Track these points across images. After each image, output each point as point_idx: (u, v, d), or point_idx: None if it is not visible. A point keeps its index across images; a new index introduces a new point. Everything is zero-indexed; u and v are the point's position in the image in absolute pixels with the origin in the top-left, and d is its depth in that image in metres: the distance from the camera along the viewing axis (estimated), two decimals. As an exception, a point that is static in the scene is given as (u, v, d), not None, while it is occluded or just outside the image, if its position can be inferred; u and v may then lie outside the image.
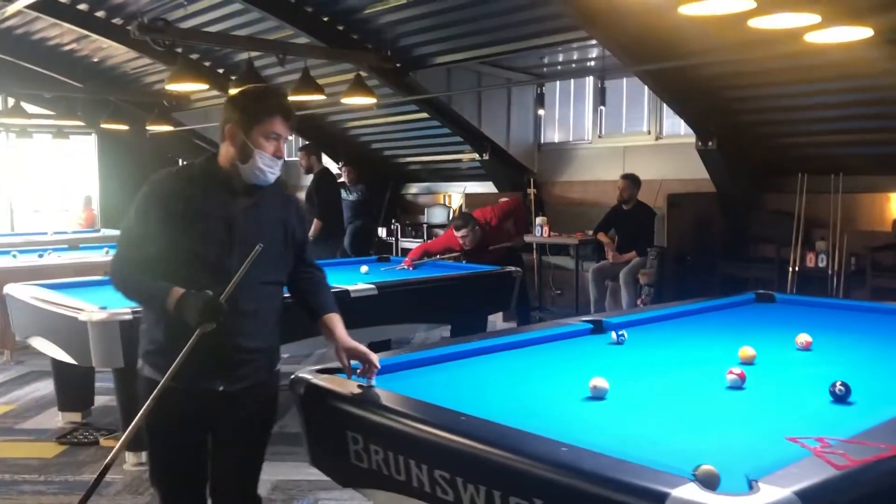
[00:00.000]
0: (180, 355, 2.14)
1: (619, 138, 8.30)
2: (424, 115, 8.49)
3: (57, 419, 4.72)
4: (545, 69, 8.47)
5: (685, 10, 3.57)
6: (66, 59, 10.89)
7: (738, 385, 2.34)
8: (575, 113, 8.75)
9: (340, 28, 7.58)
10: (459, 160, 9.49)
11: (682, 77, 6.19)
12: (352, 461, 2.16)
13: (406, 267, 5.66)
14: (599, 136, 8.47)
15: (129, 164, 12.30)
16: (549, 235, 7.64)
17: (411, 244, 8.76)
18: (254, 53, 7.20)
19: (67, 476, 3.82)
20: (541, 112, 8.24)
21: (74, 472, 3.87)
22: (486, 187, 9.15)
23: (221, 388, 2.29)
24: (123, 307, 3.66)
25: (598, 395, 2.25)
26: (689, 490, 1.46)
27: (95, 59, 10.74)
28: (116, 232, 10.01)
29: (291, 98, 7.19)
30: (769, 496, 1.43)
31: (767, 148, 6.75)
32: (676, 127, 7.64)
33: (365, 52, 7.45)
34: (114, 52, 9.98)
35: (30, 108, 11.73)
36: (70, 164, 13.32)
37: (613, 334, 3.01)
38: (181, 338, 2.14)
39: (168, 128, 10.93)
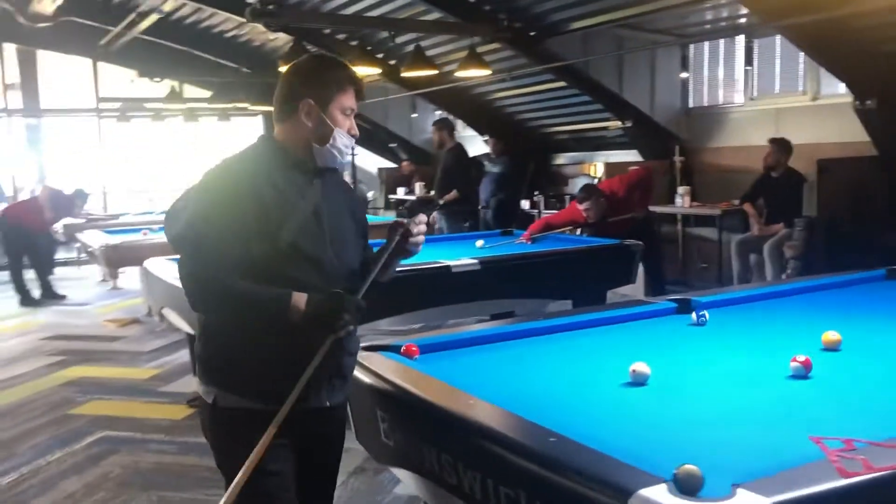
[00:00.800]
0: (307, 371, 1.84)
1: (772, 99, 7.70)
2: (562, 83, 8.28)
3: (193, 384, 5.09)
4: (690, 29, 7.98)
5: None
6: (230, 45, 11.57)
7: (801, 374, 2.12)
8: (725, 75, 8.21)
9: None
10: (605, 128, 9.20)
11: (834, 30, 5.62)
12: (382, 439, 2.18)
13: (524, 241, 5.58)
14: (751, 99, 7.90)
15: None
16: (691, 206, 7.25)
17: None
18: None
19: (189, 438, 4.14)
20: (684, 75, 7.79)
21: (197, 434, 4.17)
22: (632, 156, 8.80)
23: (328, 404, 2.01)
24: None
25: (638, 381, 2.12)
26: (657, 491, 1.35)
27: (257, 44, 11.34)
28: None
29: (407, 74, 7.39)
30: (741, 504, 1.30)
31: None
32: (835, 86, 6.96)
33: (480, 24, 7.33)
34: (272, 35, 10.49)
35: (198, 92, 12.69)
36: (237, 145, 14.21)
37: (694, 315, 2.82)
38: (296, 351, 1.87)
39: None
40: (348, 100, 2.02)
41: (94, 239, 7.29)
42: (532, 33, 7.71)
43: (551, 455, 1.55)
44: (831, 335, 2.40)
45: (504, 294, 4.60)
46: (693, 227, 7.81)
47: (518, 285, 4.63)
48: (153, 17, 9.12)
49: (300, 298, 1.87)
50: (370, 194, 13.99)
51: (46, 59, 12.70)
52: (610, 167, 8.60)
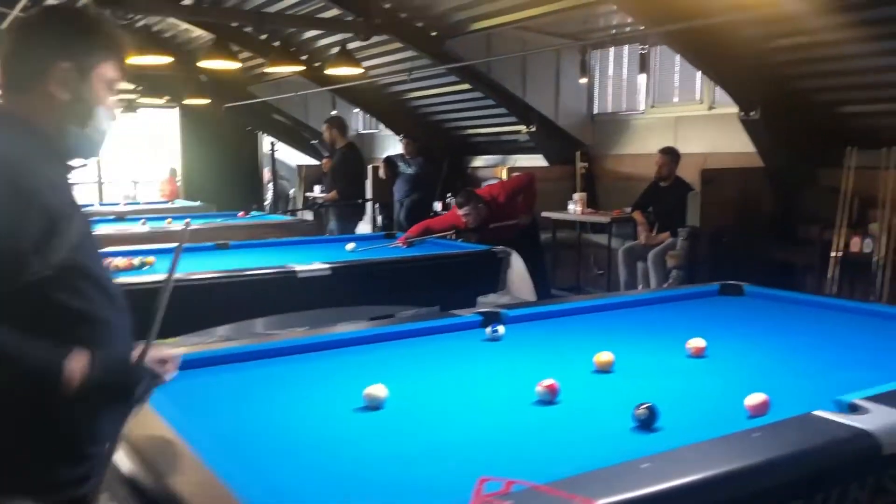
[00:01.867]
0: (106, 457, 1.47)
1: (670, 108, 7.70)
2: (466, 86, 8.19)
3: None
4: (593, 35, 7.94)
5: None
6: (152, 37, 11.22)
7: (547, 399, 2.01)
8: (627, 82, 8.19)
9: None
10: (517, 132, 9.13)
11: (715, 39, 5.60)
12: None
13: (400, 244, 5.45)
14: (651, 106, 7.89)
15: (209, 137, 12.67)
16: (584, 213, 7.20)
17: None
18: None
19: None
20: (582, 81, 7.75)
21: None
22: (537, 160, 8.75)
23: None
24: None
25: (372, 405, 1.99)
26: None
27: (170, 35, 11.02)
28: (190, 203, 10.48)
29: (331, 72, 7.23)
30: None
31: (821, 117, 6.05)
32: (728, 96, 6.98)
33: (354, 21, 7.21)
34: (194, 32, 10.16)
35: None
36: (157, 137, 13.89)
37: (488, 330, 2.71)
38: (95, 430, 1.47)
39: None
40: (113, 70, 1.59)
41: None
42: (433, 33, 7.61)
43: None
44: (603, 356, 2.31)
45: (360, 301, 4.44)
46: (591, 234, 7.78)
47: (375, 292, 4.48)
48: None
49: (78, 361, 1.37)
50: (291, 192, 13.78)
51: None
52: (515, 171, 8.51)
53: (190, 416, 1.84)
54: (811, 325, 2.95)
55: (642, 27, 7.42)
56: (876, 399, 1.85)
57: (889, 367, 2.29)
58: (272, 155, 13.08)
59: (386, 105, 10.30)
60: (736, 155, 6.65)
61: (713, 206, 6.12)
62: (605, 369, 2.29)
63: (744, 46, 5.68)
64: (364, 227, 10.08)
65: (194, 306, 3.80)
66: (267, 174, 13.33)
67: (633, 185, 7.71)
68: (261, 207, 12.97)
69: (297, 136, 12.98)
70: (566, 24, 7.53)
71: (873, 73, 5.48)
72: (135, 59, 6.78)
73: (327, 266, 4.27)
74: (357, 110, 11.94)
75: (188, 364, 2.28)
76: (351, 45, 8.57)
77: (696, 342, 2.46)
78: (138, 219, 7.60)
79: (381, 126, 11.63)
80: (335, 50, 8.54)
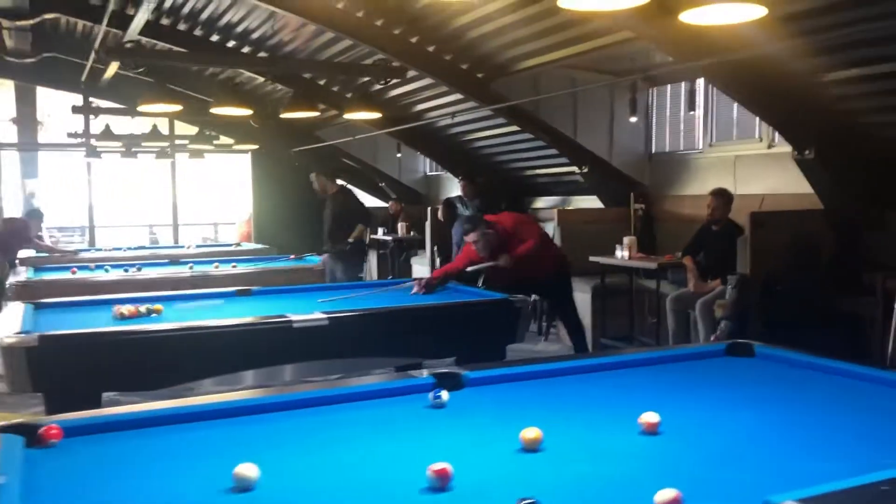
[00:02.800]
0: None
1: (729, 147, 7.28)
2: (515, 127, 8.00)
3: None
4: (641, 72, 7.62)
5: None
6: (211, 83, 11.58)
7: (437, 486, 1.77)
8: (685, 120, 7.82)
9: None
10: (572, 173, 8.84)
11: (760, 73, 5.24)
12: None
13: (418, 292, 5.25)
14: (710, 145, 7.48)
15: (280, 180, 12.91)
16: (633, 257, 6.83)
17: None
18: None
19: None
20: (633, 119, 7.42)
21: None
22: (591, 202, 8.45)
23: None
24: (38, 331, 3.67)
25: (242, 486, 1.79)
26: None
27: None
28: (253, 246, 10.65)
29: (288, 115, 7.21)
30: None
31: (886, 154, 5.56)
32: (786, 133, 6.52)
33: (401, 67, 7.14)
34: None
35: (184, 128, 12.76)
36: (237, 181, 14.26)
37: (430, 396, 2.48)
38: None
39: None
40: None
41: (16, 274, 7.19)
42: (479, 75, 7.46)
43: None
44: (528, 433, 2.04)
45: (363, 352, 4.27)
46: (645, 280, 7.37)
47: (379, 342, 4.30)
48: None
49: None
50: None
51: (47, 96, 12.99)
52: (567, 213, 8.24)
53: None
54: (809, 394, 2.59)
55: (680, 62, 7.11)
56: (811, 502, 1.53)
57: (867, 455, 1.94)
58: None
59: (444, 147, 10.22)
60: (794, 196, 6.21)
61: (765, 252, 5.68)
62: (531, 448, 2.03)
63: (792, 80, 5.29)
64: (423, 270, 9.98)
65: (173, 359, 3.74)
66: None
67: (692, 226, 7.29)
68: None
69: (365, 178, 13.06)
70: (617, 62, 7.25)
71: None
72: (219, 109, 7.04)
73: (324, 316, 4.12)
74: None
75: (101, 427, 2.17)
76: (403, 89, 8.60)
77: (649, 417, 2.17)
78: (186, 263, 7.70)
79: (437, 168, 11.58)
80: (394, 93, 8.61)
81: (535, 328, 7.65)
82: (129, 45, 5.61)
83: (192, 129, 12.38)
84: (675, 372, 2.94)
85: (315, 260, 7.98)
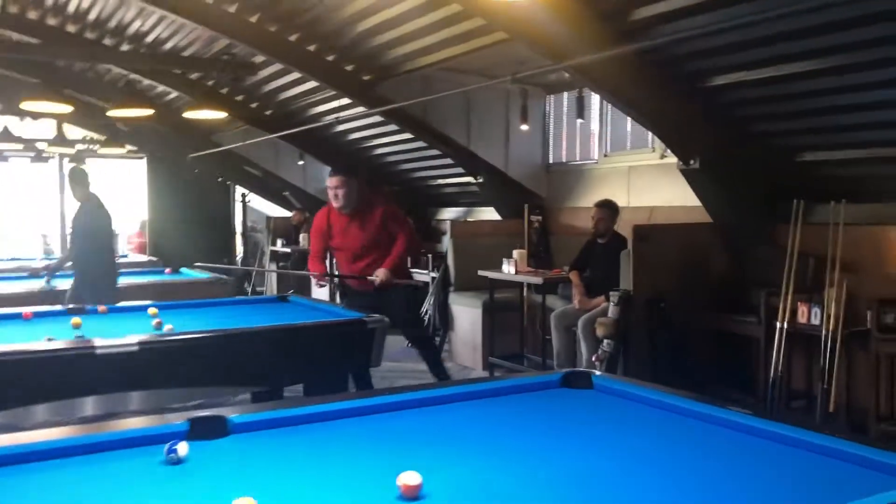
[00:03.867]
0: None
1: (624, 157, 7.00)
2: (409, 135, 7.60)
3: None
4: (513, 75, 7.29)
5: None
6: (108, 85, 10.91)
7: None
8: (581, 130, 7.53)
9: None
10: (469, 183, 8.47)
11: (631, 76, 4.93)
12: None
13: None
14: (605, 155, 7.20)
15: (178, 189, 12.25)
16: (520, 272, 6.47)
17: (422, 276, 7.84)
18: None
19: None
20: (524, 127, 7.10)
21: None
22: (489, 213, 8.10)
23: None
24: None
25: None
26: None
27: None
28: (140, 258, 9.98)
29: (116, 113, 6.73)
30: None
31: (775, 166, 5.31)
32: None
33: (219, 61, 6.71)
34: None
35: (77, 132, 12.01)
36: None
37: (166, 449, 2.01)
38: None
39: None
40: None
41: None
42: (365, 77, 7.04)
43: None
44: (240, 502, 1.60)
45: (184, 382, 3.77)
46: (535, 294, 6.99)
47: (202, 370, 3.80)
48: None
49: None
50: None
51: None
52: (465, 226, 7.87)
53: None
54: (634, 437, 2.21)
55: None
56: None
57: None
58: (244, 206, 12.64)
59: (343, 155, 9.74)
60: (684, 209, 5.93)
61: (650, 267, 5.38)
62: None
63: (676, 85, 5.00)
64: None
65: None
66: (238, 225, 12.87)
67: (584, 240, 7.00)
68: (231, 261, 12.50)
69: (268, 186, 12.51)
70: (506, 67, 6.89)
71: (831, 113, 4.72)
72: (118, 112, 6.47)
73: (134, 342, 3.61)
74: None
75: None
76: (294, 91, 8.13)
77: (408, 478, 1.74)
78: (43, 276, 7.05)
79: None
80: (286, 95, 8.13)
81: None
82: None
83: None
84: (494, 407, 2.54)
85: (192, 274, 7.41)
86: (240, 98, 9.06)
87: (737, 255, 5.58)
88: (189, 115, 6.42)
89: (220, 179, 12.73)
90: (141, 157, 12.47)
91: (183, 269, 7.76)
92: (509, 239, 7.36)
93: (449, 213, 9.51)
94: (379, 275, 5.21)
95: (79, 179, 6.14)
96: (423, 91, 7.19)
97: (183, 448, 2.01)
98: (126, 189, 13.55)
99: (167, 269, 7.86)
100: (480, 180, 7.66)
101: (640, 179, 6.70)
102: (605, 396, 2.69)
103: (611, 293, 5.35)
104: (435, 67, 6.58)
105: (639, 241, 5.33)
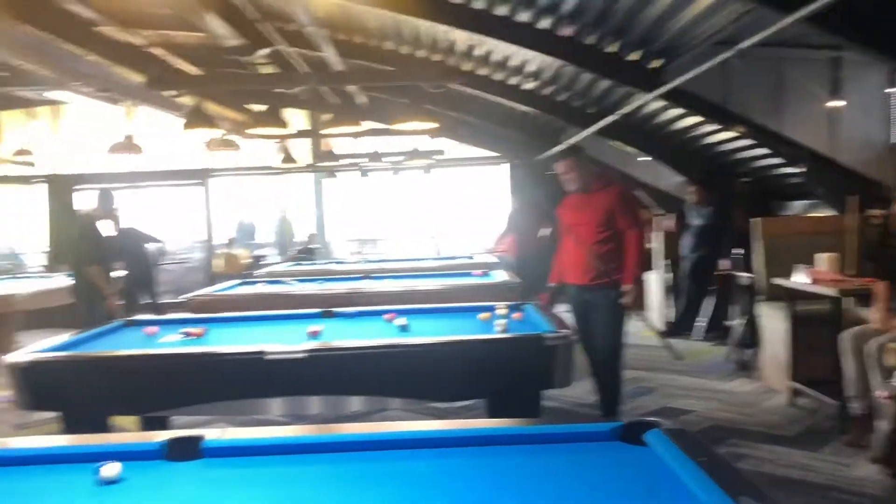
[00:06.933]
0: None
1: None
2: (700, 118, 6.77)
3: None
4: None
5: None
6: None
7: None
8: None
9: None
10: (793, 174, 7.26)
11: None
12: None
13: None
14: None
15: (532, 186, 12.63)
16: (818, 281, 5.29)
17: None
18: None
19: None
20: (835, 104, 5.79)
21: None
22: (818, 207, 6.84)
23: None
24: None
25: None
26: None
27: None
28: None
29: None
30: None
31: None
32: None
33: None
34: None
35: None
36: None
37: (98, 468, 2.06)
38: None
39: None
40: None
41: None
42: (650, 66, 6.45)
43: None
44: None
45: (351, 390, 3.85)
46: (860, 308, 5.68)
47: (372, 380, 3.84)
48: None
49: None
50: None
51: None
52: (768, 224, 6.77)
53: None
54: None
55: None
56: None
57: None
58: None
59: (668, 146, 9.06)
60: None
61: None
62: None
63: None
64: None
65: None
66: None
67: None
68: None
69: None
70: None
71: None
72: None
73: (302, 349, 3.79)
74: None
75: None
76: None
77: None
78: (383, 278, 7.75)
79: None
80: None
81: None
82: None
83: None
84: (521, 461, 2.12)
85: (493, 277, 7.55)
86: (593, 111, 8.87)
87: None
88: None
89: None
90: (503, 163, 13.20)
91: (490, 273, 7.93)
92: (830, 239, 6.10)
93: (794, 210, 8.26)
94: (627, 291, 4.82)
95: None
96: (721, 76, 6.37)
97: (112, 469, 2.04)
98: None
99: (478, 272, 8.09)
100: (804, 169, 6.52)
101: None
102: (655, 460, 2.09)
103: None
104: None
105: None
